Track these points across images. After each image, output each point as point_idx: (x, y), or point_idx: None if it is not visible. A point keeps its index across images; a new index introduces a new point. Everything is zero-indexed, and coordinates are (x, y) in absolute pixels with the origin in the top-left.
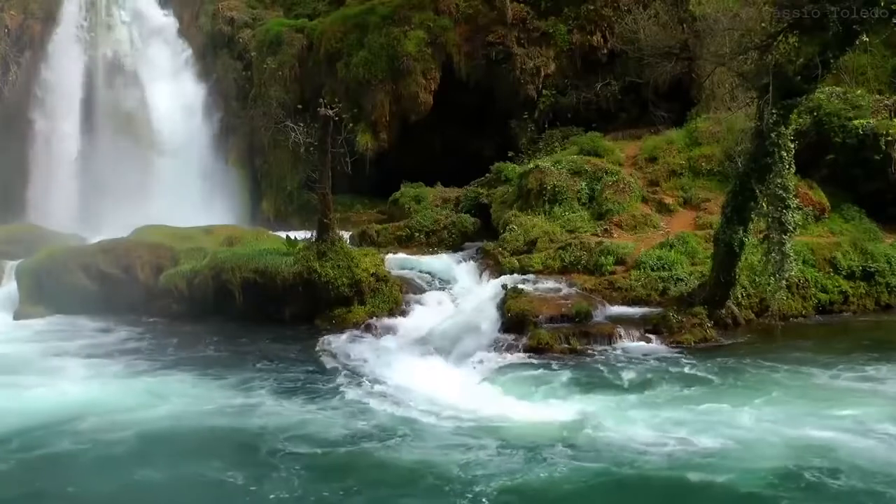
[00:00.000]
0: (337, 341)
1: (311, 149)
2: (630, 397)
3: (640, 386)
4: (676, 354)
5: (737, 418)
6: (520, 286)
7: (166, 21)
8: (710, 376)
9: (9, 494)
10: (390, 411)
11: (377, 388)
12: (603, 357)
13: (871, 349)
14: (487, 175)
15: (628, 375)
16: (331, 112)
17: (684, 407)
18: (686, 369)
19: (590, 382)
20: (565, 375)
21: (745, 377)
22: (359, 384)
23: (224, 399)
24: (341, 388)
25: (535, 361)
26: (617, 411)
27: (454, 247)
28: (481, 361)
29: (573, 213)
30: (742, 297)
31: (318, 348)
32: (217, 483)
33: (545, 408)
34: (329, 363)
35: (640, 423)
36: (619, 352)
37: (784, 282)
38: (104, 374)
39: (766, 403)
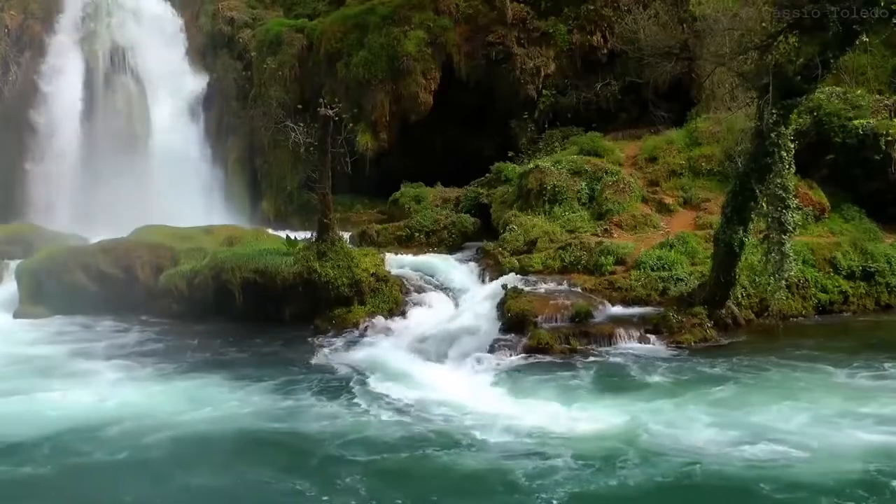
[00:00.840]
0: (346, 342)
1: (311, 149)
2: (663, 400)
3: (668, 388)
4: (683, 355)
5: (782, 420)
6: (520, 286)
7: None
8: (732, 375)
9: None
10: (426, 418)
11: (401, 391)
12: (610, 357)
13: (880, 348)
14: (487, 175)
15: (650, 377)
16: (331, 112)
17: (722, 409)
18: (705, 369)
19: (617, 385)
20: (585, 378)
21: (767, 376)
22: (387, 389)
23: (263, 403)
24: (368, 392)
25: (556, 361)
26: (659, 415)
27: (454, 247)
28: (481, 362)
29: (573, 213)
30: (742, 297)
31: (328, 350)
32: (278, 488)
33: (586, 413)
34: (343, 367)
35: (687, 427)
36: (620, 352)
37: (784, 282)
38: (136, 378)
39: (800, 403)
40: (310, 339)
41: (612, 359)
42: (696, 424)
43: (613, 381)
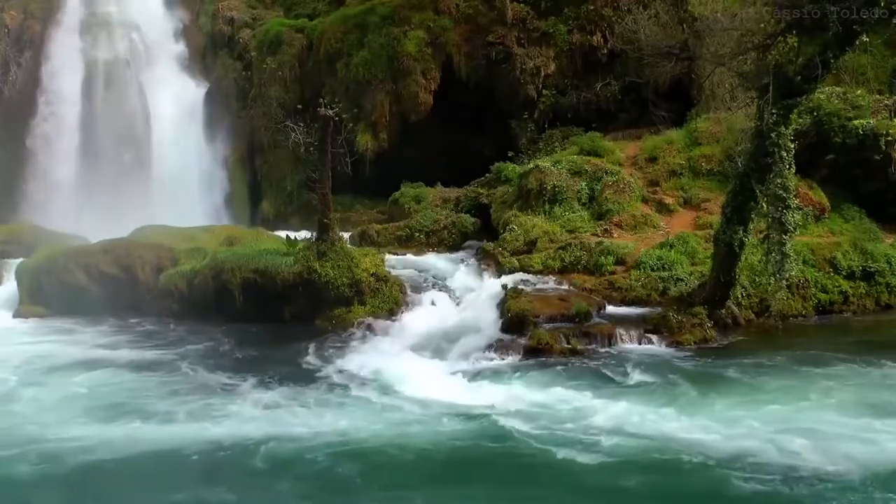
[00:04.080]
0: (357, 343)
1: (311, 149)
2: (738, 407)
3: (728, 389)
4: (693, 355)
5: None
6: (520, 286)
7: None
8: (787, 370)
9: None
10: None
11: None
12: (618, 357)
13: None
14: (487, 175)
15: (703, 376)
16: (331, 112)
17: (813, 416)
18: (743, 363)
19: (675, 391)
20: (625, 381)
21: (830, 375)
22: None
23: (417, 415)
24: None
25: (563, 361)
26: (765, 425)
27: (454, 247)
28: (482, 361)
29: (573, 213)
30: (742, 297)
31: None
32: None
33: (679, 422)
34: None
35: (784, 435)
36: (622, 352)
37: (784, 282)
38: (281, 393)
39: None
40: (344, 340)
41: (623, 358)
42: (794, 434)
43: (669, 387)
